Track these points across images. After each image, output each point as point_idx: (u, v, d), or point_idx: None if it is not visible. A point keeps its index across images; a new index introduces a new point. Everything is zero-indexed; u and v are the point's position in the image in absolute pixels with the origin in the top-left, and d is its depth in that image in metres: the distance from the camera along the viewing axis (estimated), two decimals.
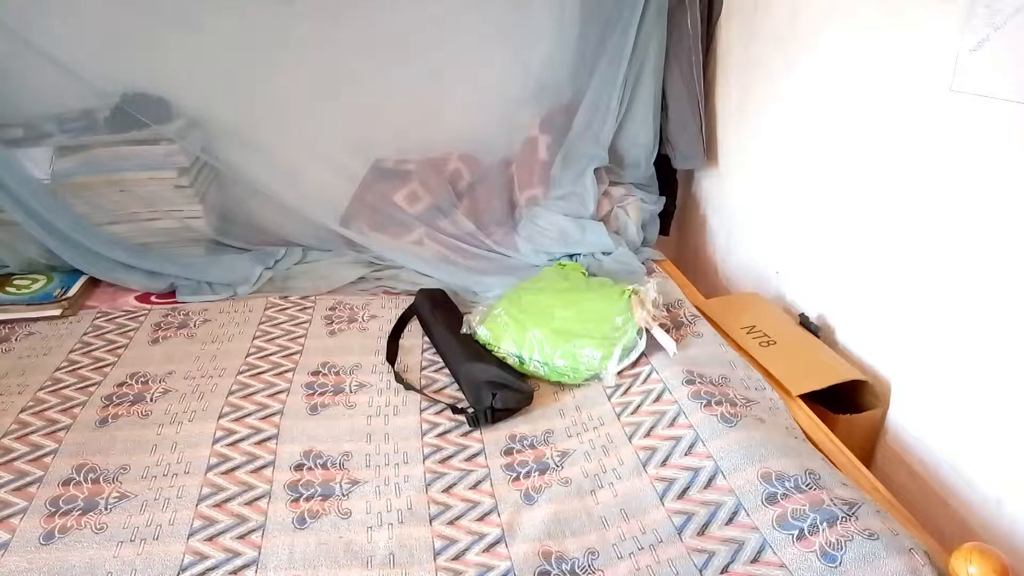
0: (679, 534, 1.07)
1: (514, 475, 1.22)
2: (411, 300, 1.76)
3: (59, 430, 1.30)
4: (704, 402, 1.27)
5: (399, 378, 1.46)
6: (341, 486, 1.19)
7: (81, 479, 1.19)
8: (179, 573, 1.02)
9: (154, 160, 1.88)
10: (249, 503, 1.15)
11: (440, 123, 2.17)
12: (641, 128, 1.99)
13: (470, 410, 1.35)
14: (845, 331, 1.51)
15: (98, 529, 1.09)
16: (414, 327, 1.68)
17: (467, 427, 1.33)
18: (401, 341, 1.62)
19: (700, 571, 1.01)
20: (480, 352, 1.49)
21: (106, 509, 1.13)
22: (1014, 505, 1.10)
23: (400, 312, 1.72)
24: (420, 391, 1.43)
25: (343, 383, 1.46)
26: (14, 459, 1.23)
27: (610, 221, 1.99)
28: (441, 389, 1.47)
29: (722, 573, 0.99)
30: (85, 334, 1.63)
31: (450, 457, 1.27)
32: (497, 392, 1.34)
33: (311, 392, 1.43)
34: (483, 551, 1.07)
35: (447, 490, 1.19)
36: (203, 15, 1.88)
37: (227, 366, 1.50)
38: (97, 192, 1.87)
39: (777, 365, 1.44)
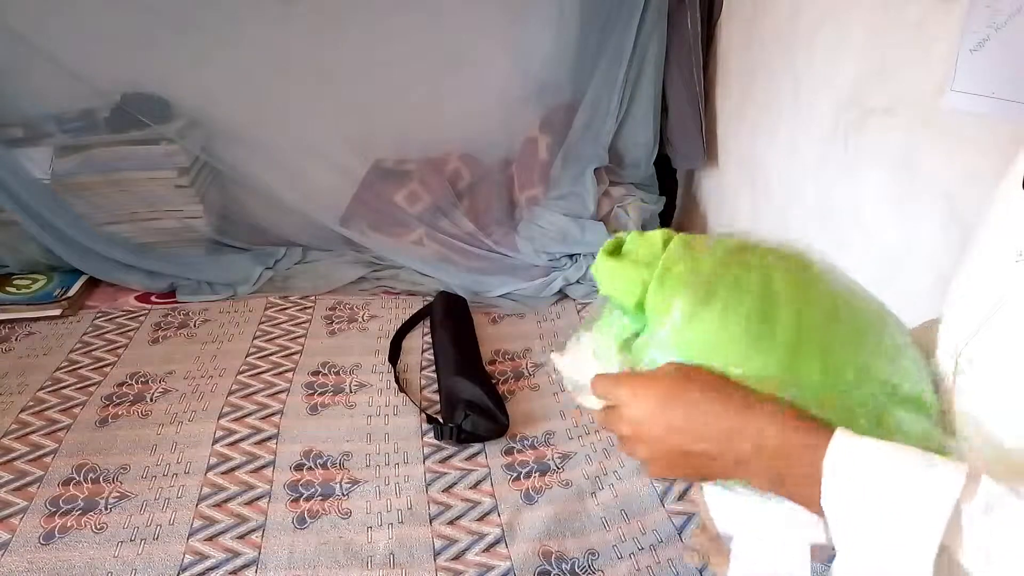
0: (679, 534, 1.07)
1: (514, 475, 1.22)
2: (412, 300, 1.76)
3: (59, 430, 1.30)
4: None
5: (398, 381, 1.46)
6: (341, 486, 1.19)
7: (81, 479, 1.19)
8: (179, 573, 1.02)
9: (154, 160, 1.88)
10: (249, 503, 1.15)
11: (440, 123, 2.16)
12: (641, 128, 1.99)
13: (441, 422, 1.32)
14: None
15: (98, 529, 1.09)
16: (416, 329, 1.68)
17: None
18: (403, 341, 1.62)
19: (700, 571, 1.01)
20: (473, 370, 1.45)
21: (106, 509, 1.13)
22: None
23: (400, 312, 1.72)
24: (417, 405, 1.43)
25: (343, 383, 1.46)
26: (14, 459, 1.23)
27: (610, 221, 1.99)
28: (439, 391, 1.46)
29: None
30: (85, 334, 1.63)
31: (450, 457, 1.26)
32: (471, 415, 1.29)
33: (311, 392, 1.43)
34: (483, 551, 1.07)
35: (447, 490, 1.19)
36: (203, 15, 1.88)
37: (227, 366, 1.50)
38: (97, 192, 1.87)
39: None
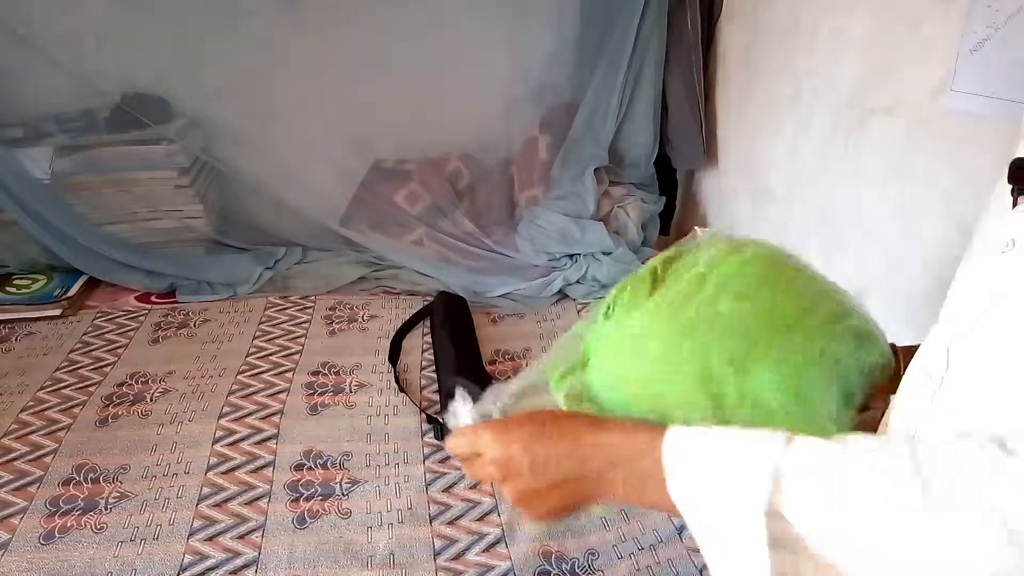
0: (679, 534, 1.07)
1: None
2: (412, 300, 1.76)
3: (59, 430, 1.30)
4: None
5: (399, 381, 1.46)
6: (341, 486, 1.19)
7: (81, 479, 1.19)
8: (179, 573, 1.02)
9: (154, 160, 1.88)
10: (249, 503, 1.15)
11: (440, 123, 2.17)
12: (641, 128, 1.99)
13: (441, 421, 1.33)
14: None
15: (98, 529, 1.09)
16: (416, 329, 1.68)
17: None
18: (403, 341, 1.62)
19: (700, 571, 1.01)
20: (473, 370, 1.45)
21: (106, 509, 1.13)
22: None
23: (400, 312, 1.72)
24: (417, 405, 1.43)
25: (343, 383, 1.46)
26: (14, 459, 1.23)
27: (610, 221, 1.99)
28: (439, 391, 1.46)
29: None
30: (85, 334, 1.63)
31: (450, 457, 1.26)
32: None
33: (311, 392, 1.43)
34: (483, 551, 1.07)
35: (447, 490, 1.19)
36: (203, 15, 1.88)
37: (227, 366, 1.50)
38: (97, 192, 1.87)
39: None
